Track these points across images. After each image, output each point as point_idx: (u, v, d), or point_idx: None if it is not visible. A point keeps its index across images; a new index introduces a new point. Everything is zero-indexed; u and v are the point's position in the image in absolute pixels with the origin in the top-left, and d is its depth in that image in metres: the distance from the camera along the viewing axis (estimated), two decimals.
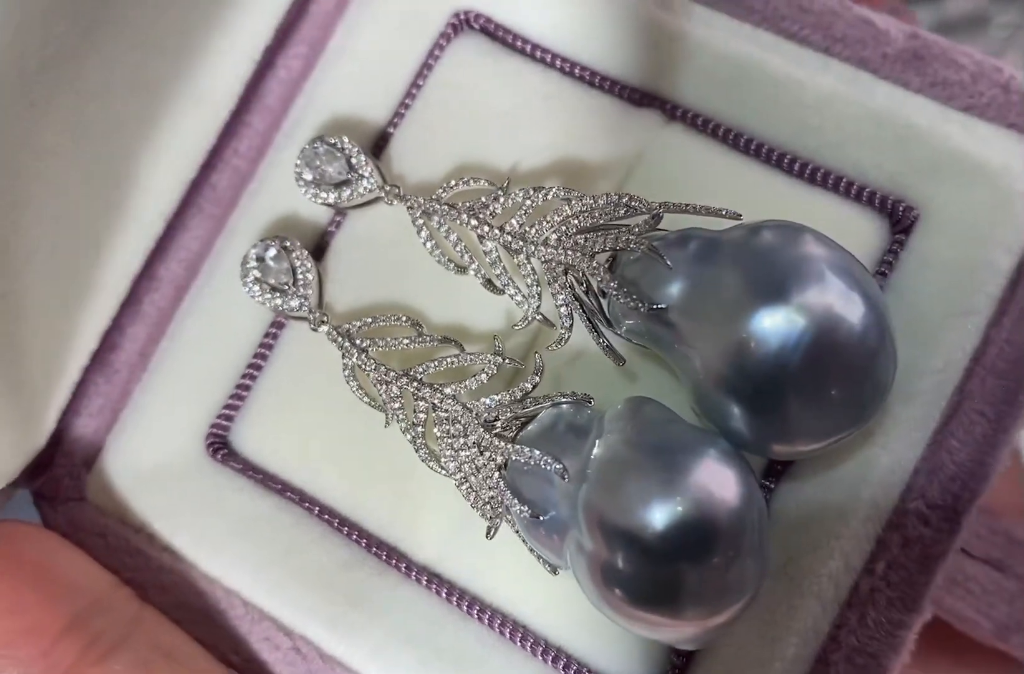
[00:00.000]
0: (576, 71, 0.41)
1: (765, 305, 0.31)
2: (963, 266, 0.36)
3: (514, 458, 0.34)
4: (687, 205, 0.35)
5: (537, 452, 0.34)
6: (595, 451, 0.33)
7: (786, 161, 0.38)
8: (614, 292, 0.34)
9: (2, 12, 0.34)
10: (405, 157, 0.42)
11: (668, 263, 0.33)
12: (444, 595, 0.38)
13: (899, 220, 0.37)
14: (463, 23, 0.42)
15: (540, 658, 0.37)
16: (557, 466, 0.33)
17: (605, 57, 0.41)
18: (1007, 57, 0.69)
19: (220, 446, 0.41)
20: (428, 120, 0.42)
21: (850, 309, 0.31)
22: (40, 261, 0.39)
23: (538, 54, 0.41)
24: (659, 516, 0.31)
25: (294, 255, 0.40)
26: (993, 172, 0.36)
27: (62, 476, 0.42)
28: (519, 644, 0.37)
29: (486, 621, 0.38)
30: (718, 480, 0.31)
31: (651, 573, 0.31)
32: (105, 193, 0.41)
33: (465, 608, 0.38)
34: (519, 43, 0.42)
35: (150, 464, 0.42)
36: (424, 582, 0.38)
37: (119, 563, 0.41)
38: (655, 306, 0.33)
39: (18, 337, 0.40)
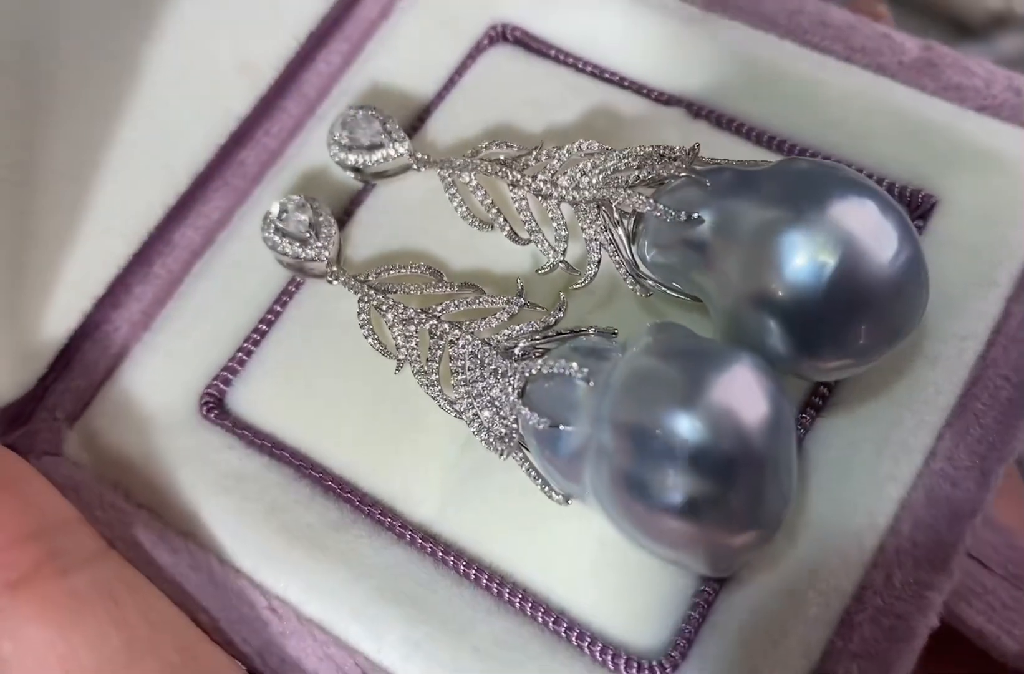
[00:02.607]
0: (606, 75, 0.40)
1: (801, 220, 0.29)
2: (981, 245, 0.34)
3: (534, 372, 0.31)
4: (717, 158, 0.33)
5: (562, 360, 0.30)
6: (621, 361, 0.29)
7: (808, 155, 0.37)
8: (652, 206, 0.32)
9: None
10: (436, 136, 0.40)
11: (707, 182, 0.31)
12: (440, 555, 0.33)
13: (918, 207, 0.36)
14: (499, 35, 0.41)
15: (540, 621, 0.32)
16: (583, 370, 0.30)
17: (635, 64, 0.39)
18: None
19: (214, 405, 0.37)
20: (458, 112, 0.40)
21: (882, 228, 0.29)
22: (58, 188, 0.36)
23: (569, 60, 0.40)
24: (685, 420, 0.27)
25: (316, 207, 0.37)
26: (1007, 162, 0.35)
27: (40, 430, 0.37)
28: (518, 606, 0.32)
29: (483, 582, 0.33)
30: (747, 388, 0.28)
31: (673, 477, 0.27)
32: (136, 146, 0.38)
33: (462, 569, 0.33)
34: (552, 52, 0.41)
35: (137, 420, 0.37)
36: (419, 542, 0.34)
37: (90, 517, 0.35)
38: (695, 215, 0.31)
39: (19, 267, 0.36)
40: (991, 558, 0.34)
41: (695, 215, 0.31)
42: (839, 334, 0.29)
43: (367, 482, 0.35)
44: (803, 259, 0.29)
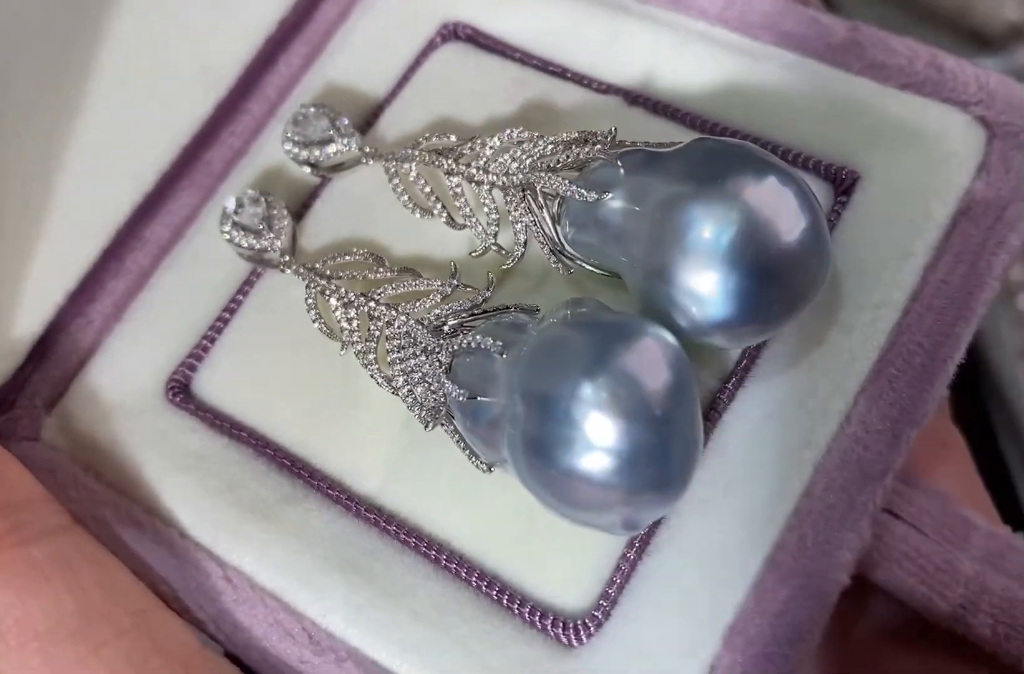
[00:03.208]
0: (549, 67, 0.41)
1: (700, 195, 0.30)
2: (902, 217, 0.35)
3: (455, 347, 0.32)
4: (637, 141, 0.34)
5: (477, 335, 0.32)
6: (532, 332, 0.31)
7: (737, 136, 0.37)
8: (568, 189, 0.33)
9: None
10: (387, 131, 0.41)
11: (619, 164, 0.33)
12: (382, 525, 0.35)
13: (841, 183, 0.36)
14: (451, 32, 0.43)
15: (474, 585, 0.33)
16: (497, 343, 0.31)
17: (577, 57, 0.41)
18: None
19: (179, 390, 0.39)
20: (411, 104, 0.41)
21: (783, 198, 0.30)
22: (28, 189, 0.38)
23: (517, 55, 0.42)
24: (585, 381, 0.28)
25: (270, 201, 0.39)
26: (928, 136, 0.36)
27: (21, 417, 0.40)
28: (454, 572, 0.34)
29: (423, 550, 0.34)
30: (647, 355, 0.29)
31: (578, 443, 0.28)
32: (103, 145, 0.40)
33: (402, 537, 0.34)
34: (500, 47, 0.42)
35: (109, 405, 0.39)
36: (364, 513, 0.35)
37: (64, 496, 0.37)
38: (605, 194, 0.32)
39: None
40: (926, 524, 0.35)
41: (606, 194, 0.32)
42: (741, 303, 0.30)
43: (318, 458, 0.37)
44: (701, 231, 0.30)
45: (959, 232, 0.34)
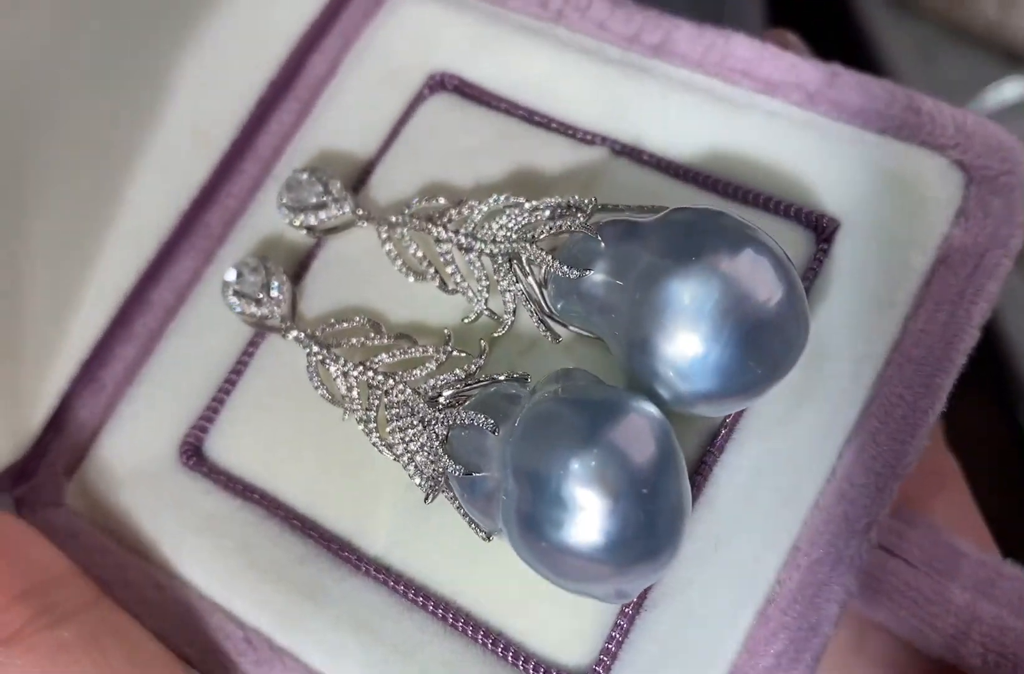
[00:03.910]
0: (535, 118, 0.42)
1: (677, 266, 0.31)
2: (882, 266, 0.36)
3: (451, 422, 0.34)
4: (620, 204, 0.35)
5: (471, 412, 0.33)
6: (524, 408, 0.32)
7: (720, 184, 0.38)
8: (550, 265, 0.34)
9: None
10: (379, 191, 0.42)
11: (599, 238, 0.34)
12: (391, 585, 0.36)
13: (822, 230, 0.37)
14: (438, 84, 0.44)
15: (480, 642, 0.35)
16: (488, 421, 0.32)
17: (561, 105, 0.42)
18: None
19: (192, 453, 0.40)
20: (401, 161, 0.43)
21: (759, 268, 0.31)
22: (38, 267, 0.40)
23: (502, 105, 0.43)
24: (573, 459, 0.30)
25: (269, 268, 0.40)
26: (906, 182, 0.37)
27: (44, 484, 0.42)
28: (460, 630, 0.35)
29: (430, 608, 0.36)
30: (633, 428, 0.30)
31: (568, 511, 0.30)
32: (103, 215, 0.42)
33: (411, 597, 0.36)
34: (486, 97, 0.43)
35: (125, 470, 0.41)
36: (373, 573, 0.37)
37: (89, 561, 0.39)
38: (585, 271, 0.33)
39: (11, 342, 0.40)
40: (916, 556, 0.36)
41: (587, 272, 0.34)
42: (722, 375, 0.31)
43: (326, 520, 0.38)
44: (680, 307, 0.31)
45: (938, 281, 0.35)
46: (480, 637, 0.35)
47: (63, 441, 0.42)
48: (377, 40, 0.45)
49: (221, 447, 0.40)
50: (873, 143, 0.38)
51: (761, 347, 0.31)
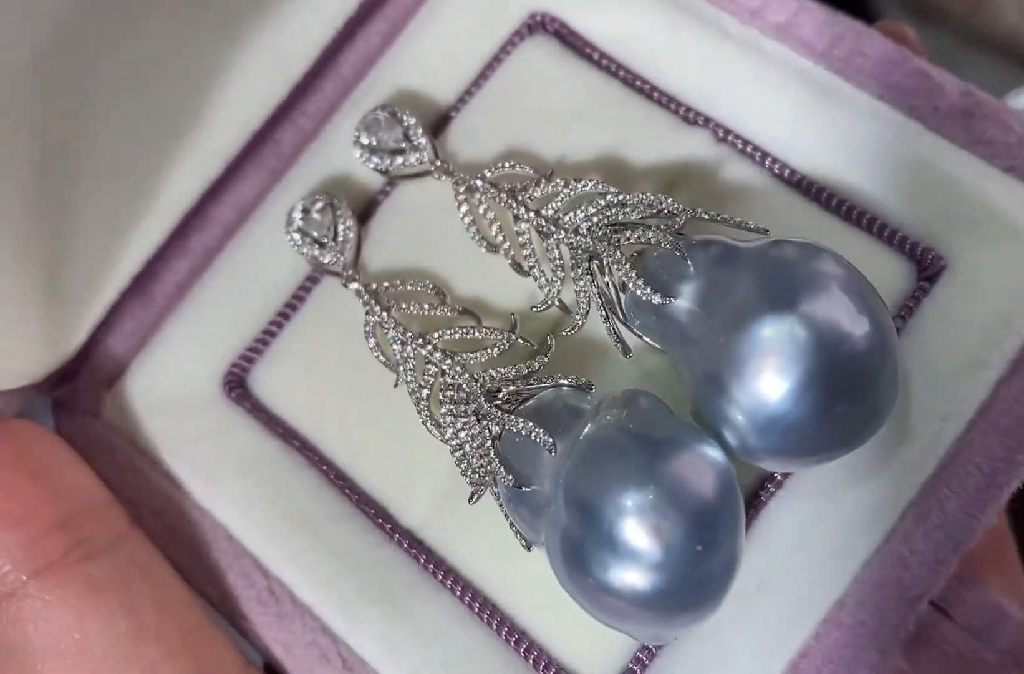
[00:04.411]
0: (637, 83, 0.33)
1: (772, 313, 0.24)
2: (983, 321, 0.28)
3: (508, 428, 0.27)
4: (718, 214, 0.27)
5: (531, 424, 0.26)
6: (584, 431, 0.25)
7: (824, 195, 0.30)
8: (633, 282, 0.27)
9: None
10: (461, 139, 0.33)
11: (689, 262, 0.26)
12: (422, 561, 0.30)
13: (926, 267, 0.29)
14: (538, 24, 0.34)
15: (503, 638, 0.29)
16: (547, 439, 0.26)
17: (666, 73, 0.33)
18: None
19: (236, 385, 0.33)
20: (489, 108, 0.33)
21: (856, 328, 0.24)
22: (101, 176, 0.32)
23: (604, 62, 0.33)
24: (629, 500, 0.23)
25: (339, 213, 0.32)
26: None
27: (83, 389, 0.34)
28: (485, 620, 0.29)
29: (458, 593, 0.29)
30: (696, 475, 0.24)
31: (618, 555, 0.24)
32: (173, 126, 0.33)
33: (440, 578, 0.30)
34: (587, 49, 0.33)
35: (167, 392, 0.33)
36: (405, 546, 0.30)
37: (121, 481, 0.32)
38: (668, 299, 0.26)
39: (67, 245, 0.32)
40: (956, 611, 0.30)
41: (670, 299, 0.26)
42: (797, 437, 0.25)
43: (366, 481, 0.31)
44: (766, 357, 0.24)
45: None
46: (504, 632, 0.29)
47: (107, 350, 0.34)
48: None
49: (266, 384, 0.33)
50: (998, 183, 0.29)
51: (845, 414, 0.24)
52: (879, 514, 0.28)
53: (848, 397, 0.25)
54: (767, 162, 0.31)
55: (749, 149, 0.31)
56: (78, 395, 0.34)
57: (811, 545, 0.28)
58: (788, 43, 0.31)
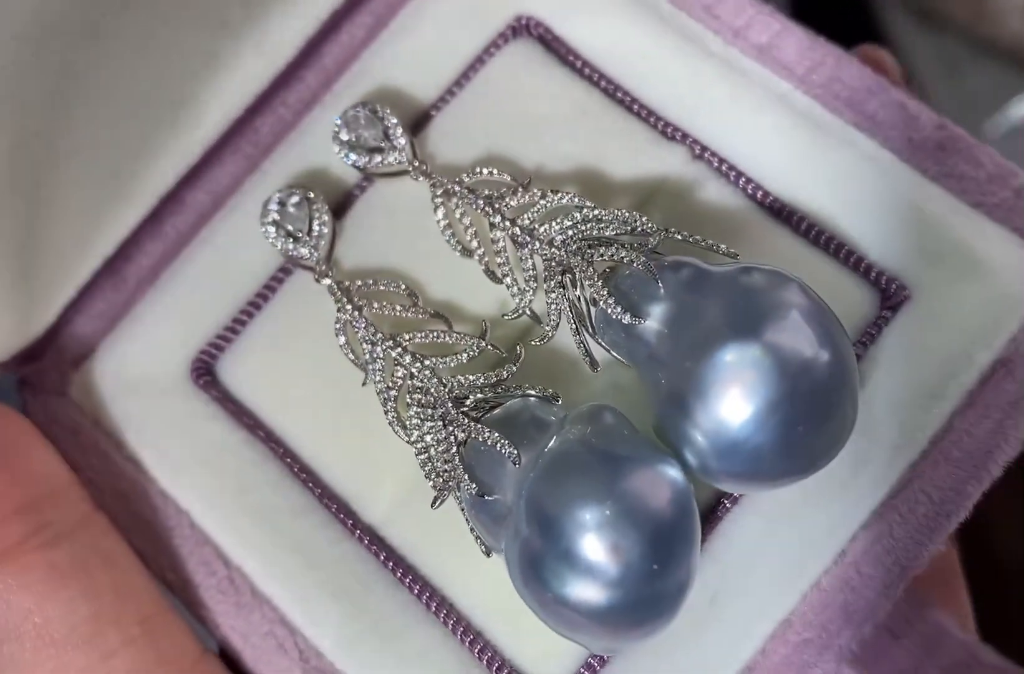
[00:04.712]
0: (618, 94, 0.30)
1: (738, 340, 0.22)
2: (942, 352, 0.26)
3: (474, 436, 0.24)
4: (690, 236, 0.25)
5: (497, 434, 0.24)
6: (550, 445, 0.23)
7: (795, 219, 0.28)
8: (604, 301, 0.24)
9: None
10: (439, 140, 0.30)
11: (660, 284, 0.24)
12: (382, 558, 0.27)
13: (890, 297, 0.27)
14: (523, 28, 0.31)
15: (459, 638, 0.27)
16: (512, 451, 0.23)
17: (646, 86, 0.30)
18: None
19: (204, 372, 0.30)
20: (469, 110, 0.30)
21: (818, 359, 0.22)
22: (79, 159, 0.28)
23: (586, 71, 0.30)
24: (589, 516, 0.22)
25: (315, 207, 0.29)
26: (990, 270, 0.26)
27: (49, 369, 0.30)
28: (442, 620, 0.27)
29: (415, 591, 0.27)
30: (656, 494, 0.22)
31: (575, 570, 0.22)
32: (154, 112, 0.29)
33: (399, 575, 0.27)
34: (570, 57, 0.30)
35: (134, 376, 0.30)
36: (366, 542, 0.28)
37: (85, 462, 0.29)
38: (637, 320, 0.24)
39: (40, 226, 0.28)
40: (903, 630, 0.28)
41: (640, 320, 0.24)
42: (757, 461, 0.23)
43: (329, 475, 0.28)
44: (730, 383, 0.22)
45: (995, 383, 0.26)
46: (460, 632, 0.26)
47: (76, 331, 0.30)
48: None
49: (234, 374, 0.30)
50: (966, 218, 0.27)
51: (805, 442, 0.22)
52: (830, 536, 0.25)
53: (808, 424, 0.23)
54: (741, 182, 0.28)
55: (724, 168, 0.28)
56: (45, 374, 0.31)
57: (763, 563, 0.26)
58: (768, 65, 0.28)
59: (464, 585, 0.27)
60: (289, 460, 0.29)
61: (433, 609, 0.27)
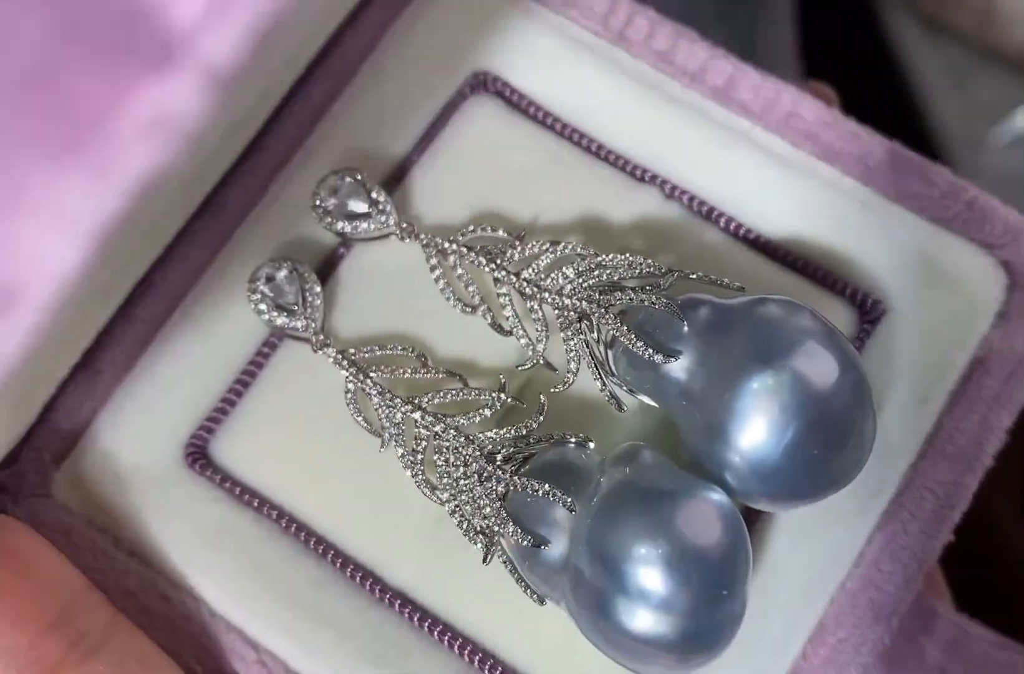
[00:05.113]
0: (583, 142, 0.33)
1: (767, 368, 0.25)
2: (923, 358, 0.31)
3: (520, 489, 0.27)
4: (696, 273, 0.28)
5: (547, 485, 0.27)
6: (601, 487, 0.26)
7: (770, 247, 0.32)
8: (632, 344, 0.27)
9: None
10: (419, 199, 0.33)
11: (684, 323, 0.27)
12: (416, 620, 0.30)
13: (868, 311, 0.32)
14: (480, 84, 0.34)
15: None
16: (566, 499, 0.26)
17: (610, 133, 0.33)
18: None
19: (199, 456, 0.32)
20: (442, 167, 0.33)
21: (843, 379, 0.26)
22: None
23: (549, 121, 0.34)
24: (655, 551, 0.24)
25: (305, 277, 0.31)
26: (956, 277, 0.31)
27: (28, 471, 0.32)
28: (487, 672, 0.29)
29: (456, 648, 0.30)
30: (710, 519, 0.25)
31: (648, 605, 0.24)
32: None
33: (436, 634, 0.30)
34: (531, 109, 0.33)
35: (123, 468, 0.32)
36: (396, 607, 0.30)
37: (82, 564, 0.31)
38: (670, 358, 0.27)
39: None
40: None
41: (672, 359, 0.27)
42: (796, 483, 0.26)
43: (347, 544, 0.31)
44: (766, 412, 0.25)
45: (975, 381, 0.31)
46: None
47: (52, 426, 0.32)
48: (419, 24, 0.33)
49: (232, 453, 0.32)
50: (927, 232, 0.31)
51: (839, 459, 0.26)
52: (848, 541, 0.30)
53: (837, 444, 0.26)
54: (714, 216, 0.32)
55: (696, 204, 0.32)
56: (23, 477, 0.32)
57: (790, 573, 0.30)
58: (727, 106, 0.32)
59: (504, 637, 0.30)
60: (302, 534, 0.29)
61: (476, 663, 0.29)
